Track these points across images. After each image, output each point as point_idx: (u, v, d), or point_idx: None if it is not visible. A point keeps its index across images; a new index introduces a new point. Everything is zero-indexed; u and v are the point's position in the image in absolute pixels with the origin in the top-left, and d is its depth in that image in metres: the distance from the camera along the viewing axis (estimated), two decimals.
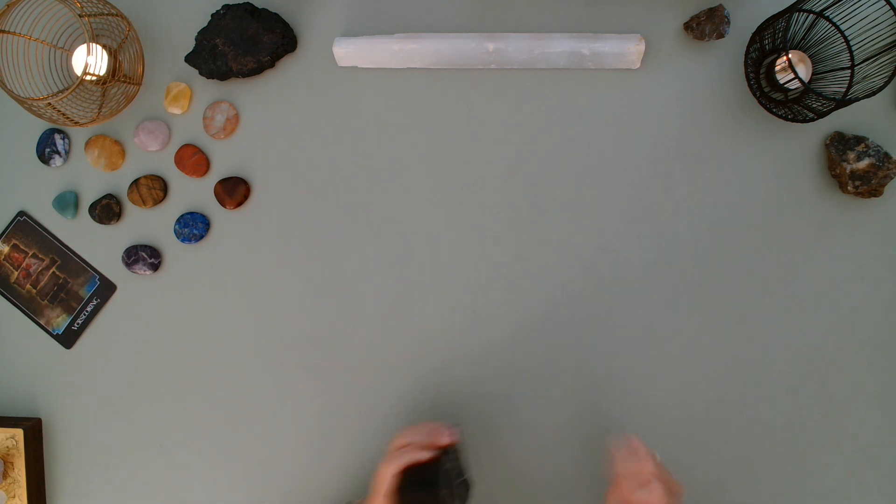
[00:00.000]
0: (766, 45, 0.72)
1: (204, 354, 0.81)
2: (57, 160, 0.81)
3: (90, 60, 0.73)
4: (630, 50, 0.73)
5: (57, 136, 0.81)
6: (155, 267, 0.80)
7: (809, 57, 0.71)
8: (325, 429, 0.80)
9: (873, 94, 0.63)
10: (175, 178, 0.81)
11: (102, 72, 0.75)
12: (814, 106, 0.69)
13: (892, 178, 0.71)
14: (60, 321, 0.82)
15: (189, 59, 0.77)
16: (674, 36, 0.75)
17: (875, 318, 0.75)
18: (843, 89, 0.69)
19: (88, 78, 0.74)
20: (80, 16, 0.71)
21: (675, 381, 0.76)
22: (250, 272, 0.80)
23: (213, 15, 0.77)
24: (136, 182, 0.80)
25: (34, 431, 0.81)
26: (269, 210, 0.80)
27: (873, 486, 0.75)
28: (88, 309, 0.82)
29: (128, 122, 0.80)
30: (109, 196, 0.80)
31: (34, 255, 0.82)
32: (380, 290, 0.79)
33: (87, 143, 0.80)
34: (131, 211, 0.81)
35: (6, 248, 0.82)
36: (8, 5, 0.71)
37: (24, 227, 0.82)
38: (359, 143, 0.79)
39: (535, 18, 0.76)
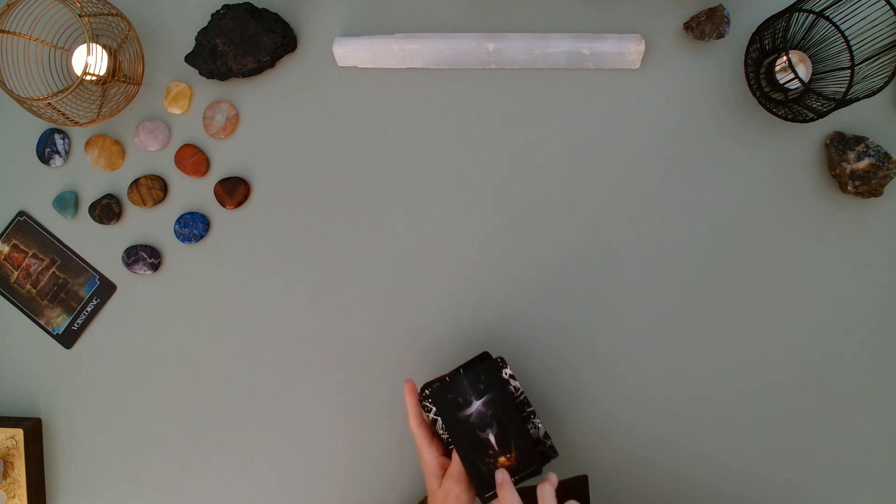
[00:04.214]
0: (766, 45, 0.72)
1: (204, 354, 0.81)
2: (57, 160, 0.81)
3: (90, 60, 0.72)
4: (630, 50, 0.73)
5: (57, 136, 0.81)
6: (155, 267, 0.80)
7: (809, 57, 0.71)
8: (326, 428, 0.80)
9: (873, 94, 0.63)
10: (175, 178, 0.81)
11: (102, 72, 0.75)
12: (814, 106, 0.69)
13: (892, 178, 0.71)
14: (60, 321, 0.82)
15: (189, 59, 0.77)
16: (674, 36, 0.75)
17: (875, 318, 0.75)
18: (843, 89, 0.69)
19: (88, 78, 0.74)
20: (80, 16, 0.71)
21: (675, 380, 0.76)
22: (250, 272, 0.80)
23: (213, 15, 0.77)
24: (136, 182, 0.80)
25: (34, 431, 0.81)
26: (269, 210, 0.80)
27: (874, 485, 0.75)
28: (88, 309, 0.82)
29: (128, 122, 0.80)
30: (109, 196, 0.81)
31: (34, 255, 0.82)
32: (380, 289, 0.79)
33: (87, 143, 0.80)
34: (131, 211, 0.81)
35: (6, 248, 0.82)
36: (8, 5, 0.71)
37: (24, 227, 0.82)
38: (359, 143, 0.79)
39: (535, 18, 0.76)
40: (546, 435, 0.67)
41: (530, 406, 0.67)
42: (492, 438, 0.65)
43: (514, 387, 0.67)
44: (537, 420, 0.67)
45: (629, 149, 0.76)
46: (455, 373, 0.68)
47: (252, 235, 0.80)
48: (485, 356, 0.69)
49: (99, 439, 0.83)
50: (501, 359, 0.67)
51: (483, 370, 0.66)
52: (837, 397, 0.75)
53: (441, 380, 0.68)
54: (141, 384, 0.82)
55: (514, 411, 0.66)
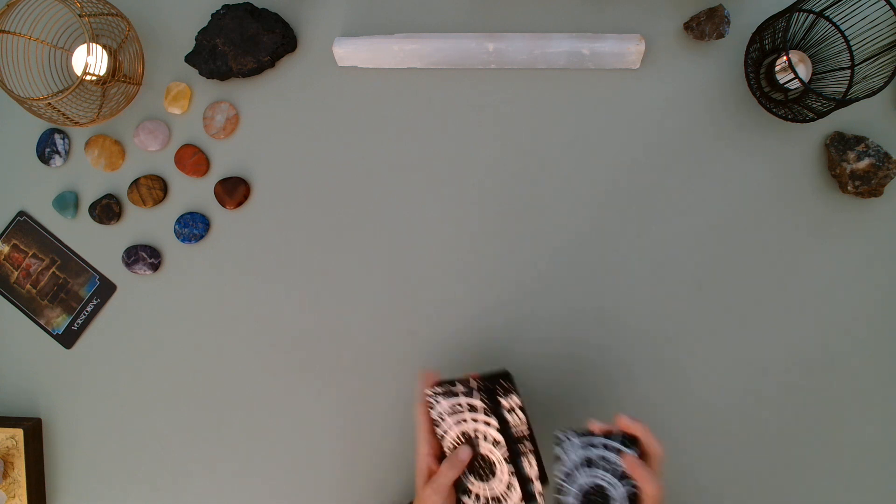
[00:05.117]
0: (766, 45, 0.72)
1: (204, 354, 0.81)
2: (57, 160, 0.81)
3: (90, 60, 0.73)
4: (630, 50, 0.73)
5: (57, 136, 0.81)
6: (155, 267, 0.80)
7: (809, 57, 0.71)
8: (325, 428, 0.80)
9: (873, 94, 0.63)
10: (175, 178, 0.81)
11: (102, 72, 0.75)
12: (814, 106, 0.69)
13: (892, 178, 0.71)
14: (60, 321, 0.82)
15: (189, 59, 0.77)
16: (674, 36, 0.75)
17: (874, 318, 0.75)
18: (843, 89, 0.69)
19: (88, 78, 0.74)
20: (80, 16, 0.71)
21: (675, 381, 0.76)
22: (250, 272, 0.80)
23: (213, 15, 0.77)
24: (136, 182, 0.80)
25: (34, 431, 0.81)
26: (269, 210, 0.80)
27: (873, 486, 0.75)
28: (88, 309, 0.82)
29: (128, 122, 0.80)
30: (109, 196, 0.81)
31: (34, 255, 0.82)
32: (380, 290, 0.79)
33: (87, 143, 0.81)
34: (131, 211, 0.81)
35: (6, 248, 0.82)
36: (8, 5, 0.71)
37: (24, 227, 0.82)
38: (359, 143, 0.79)
39: (535, 18, 0.76)
40: (538, 477, 0.62)
41: (531, 442, 0.63)
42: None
43: (519, 418, 0.63)
44: (532, 458, 0.63)
45: (629, 149, 0.76)
46: (465, 380, 0.65)
47: (252, 235, 0.80)
48: (504, 374, 0.65)
49: (99, 439, 0.83)
50: (508, 378, 0.64)
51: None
52: (837, 397, 0.75)
53: (451, 382, 0.66)
54: (141, 384, 0.82)
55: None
